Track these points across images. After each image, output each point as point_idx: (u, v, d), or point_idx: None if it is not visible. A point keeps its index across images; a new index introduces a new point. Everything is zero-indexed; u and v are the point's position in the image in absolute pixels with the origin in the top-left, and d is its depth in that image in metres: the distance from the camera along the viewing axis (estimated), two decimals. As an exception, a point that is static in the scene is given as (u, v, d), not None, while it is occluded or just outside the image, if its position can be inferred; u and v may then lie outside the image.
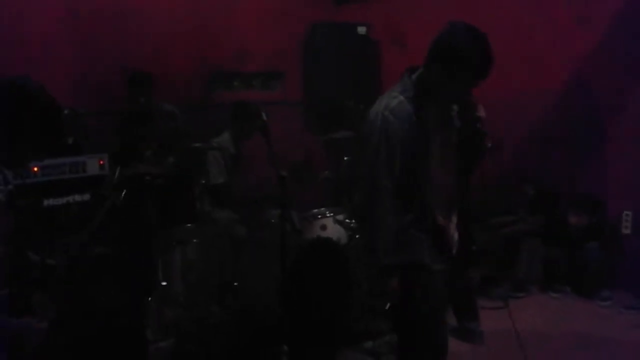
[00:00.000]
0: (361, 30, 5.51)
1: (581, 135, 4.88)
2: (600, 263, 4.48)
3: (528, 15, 4.92)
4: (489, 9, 4.95)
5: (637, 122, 4.44)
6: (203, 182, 4.11)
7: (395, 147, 2.22)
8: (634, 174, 4.54)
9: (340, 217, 4.28)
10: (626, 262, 4.45)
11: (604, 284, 4.44)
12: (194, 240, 3.91)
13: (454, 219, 2.42)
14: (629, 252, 4.42)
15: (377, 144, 2.22)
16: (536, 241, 4.76)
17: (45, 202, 3.03)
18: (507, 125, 4.90)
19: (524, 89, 4.89)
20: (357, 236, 4.16)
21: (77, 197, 3.14)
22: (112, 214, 3.16)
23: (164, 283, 3.65)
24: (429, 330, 2.36)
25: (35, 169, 3.01)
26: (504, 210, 4.88)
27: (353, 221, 4.24)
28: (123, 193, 3.09)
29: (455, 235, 2.45)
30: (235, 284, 3.96)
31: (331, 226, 4.24)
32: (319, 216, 4.28)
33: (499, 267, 4.62)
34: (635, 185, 4.54)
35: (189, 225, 3.91)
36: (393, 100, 2.25)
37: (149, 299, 3.42)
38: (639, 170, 4.52)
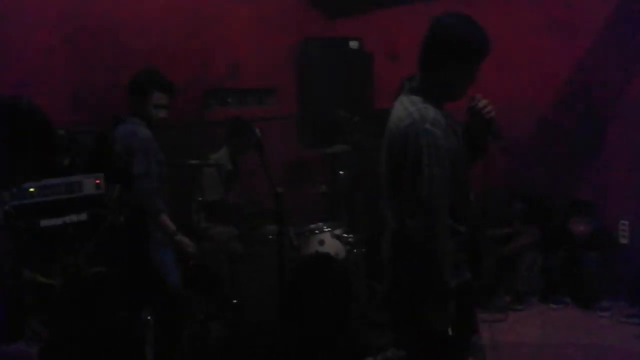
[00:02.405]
0: (353, 44, 5.53)
1: (576, 144, 4.91)
2: (600, 273, 4.48)
3: (520, 24, 4.96)
4: (482, 20, 4.99)
5: (632, 130, 4.46)
6: (199, 199, 4.10)
7: (445, 162, 2.08)
8: (629, 182, 4.55)
9: (337, 231, 4.28)
10: (624, 272, 4.45)
11: (603, 294, 4.44)
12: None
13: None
14: (626, 261, 4.43)
15: (429, 161, 2.05)
16: (534, 252, 4.76)
17: (42, 223, 3.00)
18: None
19: (517, 98, 4.92)
20: (355, 250, 4.16)
21: (74, 217, 3.12)
22: (110, 233, 3.15)
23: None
24: (459, 352, 2.26)
25: (32, 189, 2.99)
26: (499, 221, 4.88)
27: (351, 235, 4.23)
28: (121, 213, 3.07)
29: None
30: (234, 300, 3.93)
31: (329, 241, 4.23)
32: (317, 231, 4.27)
33: (498, 279, 4.61)
34: (630, 194, 4.56)
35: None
36: (426, 110, 2.10)
37: (148, 317, 3.39)
38: (634, 179, 4.53)
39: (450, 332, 2.10)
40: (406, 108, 2.15)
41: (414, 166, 2.07)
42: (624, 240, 4.60)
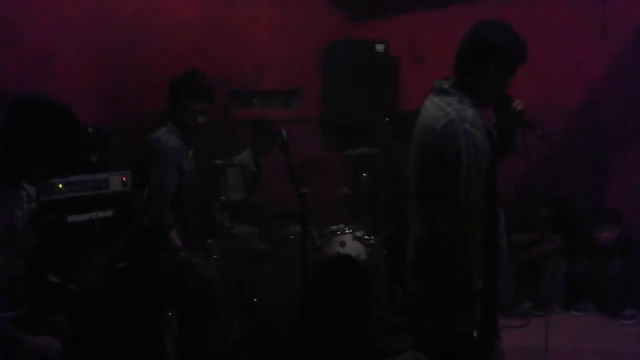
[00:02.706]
0: (379, 47, 5.54)
1: (604, 151, 4.84)
2: (623, 281, 4.40)
3: (553, 27, 4.90)
4: (513, 22, 4.96)
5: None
6: (223, 198, 4.14)
7: (483, 164, 2.08)
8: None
9: (359, 233, 4.28)
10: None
11: (627, 303, 4.37)
12: (214, 256, 3.94)
13: None
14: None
15: (468, 161, 2.04)
16: (558, 259, 4.70)
17: (69, 219, 3.07)
18: (525, 140, 4.88)
19: (547, 102, 4.86)
20: (375, 253, 4.16)
21: (100, 214, 3.18)
22: (137, 233, 3.20)
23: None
24: (481, 355, 2.24)
25: (60, 185, 3.06)
26: (522, 227, 4.83)
27: (372, 237, 4.24)
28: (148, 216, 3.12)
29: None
30: (255, 299, 3.96)
31: (350, 243, 4.24)
32: (338, 233, 4.29)
33: (521, 285, 4.57)
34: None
35: (209, 240, 3.94)
36: (465, 111, 2.10)
37: (169, 313, 3.44)
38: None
39: (475, 334, 2.10)
40: (442, 108, 2.14)
41: (452, 166, 2.06)
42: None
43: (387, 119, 4.53)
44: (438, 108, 2.16)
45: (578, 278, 4.60)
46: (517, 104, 2.25)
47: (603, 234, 4.56)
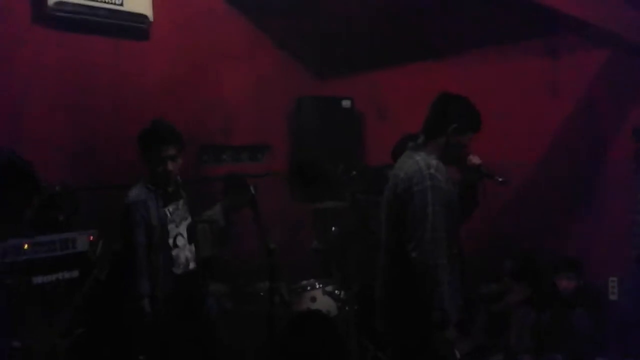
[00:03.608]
0: (346, 104, 5.70)
1: (562, 203, 5.00)
2: (590, 330, 4.48)
3: (504, 90, 5.13)
4: (466, 85, 5.19)
5: (616, 188, 4.56)
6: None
7: (443, 203, 2.45)
8: (617, 239, 4.62)
9: (329, 288, 4.28)
10: (615, 329, 4.45)
11: (595, 351, 4.43)
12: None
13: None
14: (616, 318, 4.43)
15: (433, 200, 2.43)
16: (525, 309, 4.77)
17: (35, 280, 3.00)
18: (488, 194, 5.02)
19: (506, 158, 5.03)
20: (346, 307, 4.15)
21: (67, 274, 3.12)
22: (98, 290, 3.13)
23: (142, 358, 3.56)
24: None
25: (26, 246, 3.01)
26: (490, 278, 4.91)
27: (343, 292, 4.24)
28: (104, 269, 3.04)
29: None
30: None
31: (321, 298, 4.24)
32: (309, 288, 4.28)
33: (490, 337, 4.60)
34: (619, 251, 4.61)
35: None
36: (431, 160, 2.54)
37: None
38: (622, 236, 4.60)
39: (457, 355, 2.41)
40: (412, 157, 2.61)
41: (420, 204, 2.43)
42: (613, 297, 4.63)
43: (354, 173, 4.61)
44: (411, 159, 2.58)
45: (545, 328, 4.65)
46: (473, 158, 2.70)
47: (562, 282, 4.66)
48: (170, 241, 3.28)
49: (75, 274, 3.15)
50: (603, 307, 4.56)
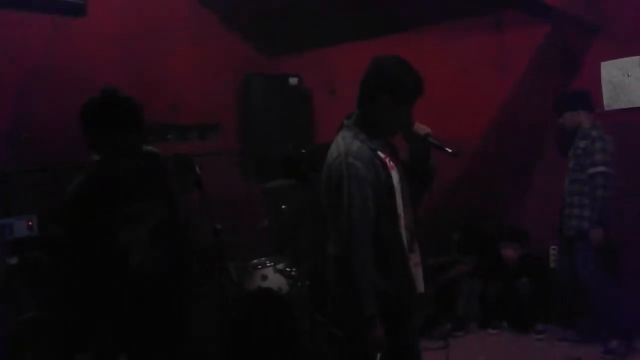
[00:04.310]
0: (293, 81, 5.66)
1: (506, 175, 5.13)
2: (533, 298, 4.65)
3: (455, 62, 5.20)
4: (413, 61, 5.23)
5: (558, 160, 4.69)
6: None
7: (367, 192, 2.18)
8: (558, 208, 4.77)
9: (280, 266, 4.28)
10: (556, 296, 4.63)
11: (538, 318, 4.61)
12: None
13: (417, 255, 2.38)
14: (556, 286, 4.61)
15: (349, 191, 2.16)
16: (473, 280, 4.91)
17: (-31, 268, 2.89)
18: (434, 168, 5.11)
19: (451, 132, 5.10)
20: (298, 284, 4.17)
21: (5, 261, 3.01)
22: (45, 276, 3.04)
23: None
24: None
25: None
26: (437, 251, 5.02)
27: (294, 269, 4.25)
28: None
29: (420, 272, 2.38)
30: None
31: (272, 276, 4.23)
32: (259, 266, 4.27)
33: (439, 307, 4.72)
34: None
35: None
36: (351, 145, 2.24)
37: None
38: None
39: (378, 358, 2.16)
40: (337, 142, 2.30)
41: (336, 196, 2.19)
42: (553, 265, 4.81)
43: (303, 151, 4.60)
44: (336, 143, 2.31)
45: (491, 297, 4.81)
46: (419, 127, 2.37)
47: (507, 252, 4.81)
48: None
49: (13, 260, 3.04)
50: (545, 275, 4.73)
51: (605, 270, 4.16)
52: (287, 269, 4.27)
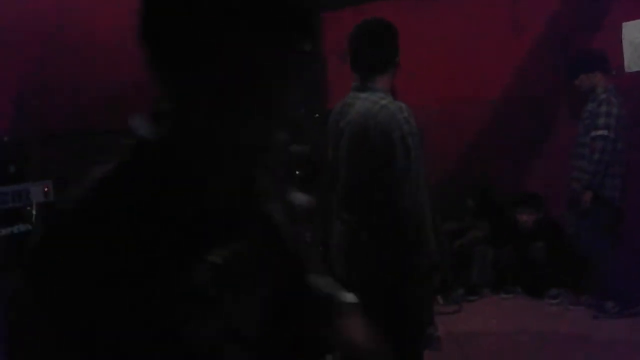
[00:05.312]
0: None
1: (523, 138, 5.06)
2: (547, 263, 4.64)
3: (468, 24, 5.08)
4: (430, 23, 5.13)
5: (574, 123, 4.62)
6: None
7: (420, 149, 2.27)
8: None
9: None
10: (570, 261, 4.61)
11: (552, 283, 4.60)
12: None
13: None
14: (571, 251, 4.58)
15: (410, 145, 2.21)
16: (486, 246, 4.90)
17: (-11, 233, 2.91)
18: (449, 132, 5.06)
19: (464, 95, 5.05)
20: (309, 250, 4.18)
21: (22, 227, 3.03)
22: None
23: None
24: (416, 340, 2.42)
25: (-25, 199, 2.90)
26: (452, 216, 5.00)
27: (307, 236, 4.25)
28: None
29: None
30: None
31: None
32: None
33: (452, 273, 4.72)
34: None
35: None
36: (400, 103, 2.30)
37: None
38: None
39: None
40: (375, 102, 2.29)
41: (402, 152, 2.21)
42: (570, 231, 4.77)
43: (317, 116, 4.56)
44: (371, 102, 2.30)
45: (505, 263, 4.81)
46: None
47: (522, 217, 4.78)
48: None
49: (29, 227, 3.06)
50: (560, 241, 4.69)
51: (606, 234, 4.13)
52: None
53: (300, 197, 1.23)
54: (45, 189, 3.19)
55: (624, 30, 4.49)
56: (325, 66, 5.76)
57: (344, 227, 2.42)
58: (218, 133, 0.81)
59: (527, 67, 5.00)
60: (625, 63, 4.50)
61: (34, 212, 2.93)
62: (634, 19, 4.45)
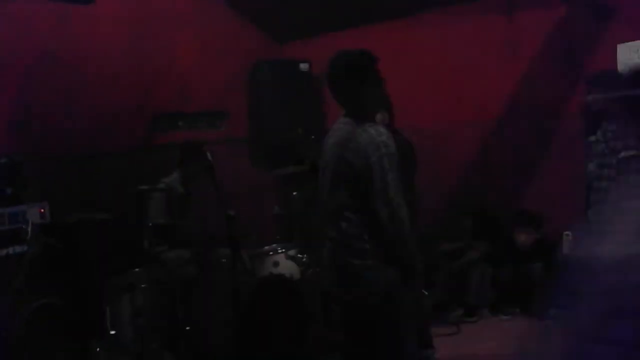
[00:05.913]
0: (303, 67, 5.61)
1: (522, 158, 5.08)
2: (546, 283, 4.61)
3: (463, 44, 5.13)
4: (425, 45, 5.18)
5: (572, 144, 4.63)
6: (149, 224, 4.03)
7: (398, 170, 2.41)
8: (572, 194, 4.72)
9: (292, 252, 4.28)
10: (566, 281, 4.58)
11: (550, 304, 4.55)
12: (142, 285, 3.81)
13: None
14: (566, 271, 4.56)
15: (389, 167, 2.36)
16: (484, 265, 4.88)
17: (-18, 256, 2.90)
18: (446, 153, 5.07)
19: (463, 116, 5.08)
20: (309, 270, 4.17)
21: (17, 248, 3.02)
22: (53, 263, 3.05)
23: (113, 332, 3.53)
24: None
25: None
26: (449, 236, 4.99)
27: (305, 256, 4.24)
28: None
29: None
30: (187, 327, 3.86)
31: (283, 262, 4.23)
32: (271, 253, 4.26)
33: (451, 293, 4.70)
34: (573, 206, 4.72)
35: (136, 269, 3.81)
36: (377, 129, 2.44)
37: (97, 348, 3.30)
38: (577, 190, 4.69)
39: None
40: (366, 130, 2.44)
41: (380, 174, 2.36)
42: (567, 251, 4.75)
43: (313, 137, 4.58)
44: (352, 126, 2.48)
45: (503, 283, 4.78)
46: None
47: (521, 236, 4.77)
48: None
49: (26, 247, 3.05)
50: (558, 261, 4.67)
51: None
52: (299, 255, 4.27)
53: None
54: (41, 211, 3.18)
55: (618, 51, 4.53)
56: (321, 87, 5.80)
57: (331, 245, 2.54)
58: None
59: (523, 87, 5.03)
60: (620, 84, 4.52)
61: (29, 233, 2.93)
62: (628, 40, 4.50)
